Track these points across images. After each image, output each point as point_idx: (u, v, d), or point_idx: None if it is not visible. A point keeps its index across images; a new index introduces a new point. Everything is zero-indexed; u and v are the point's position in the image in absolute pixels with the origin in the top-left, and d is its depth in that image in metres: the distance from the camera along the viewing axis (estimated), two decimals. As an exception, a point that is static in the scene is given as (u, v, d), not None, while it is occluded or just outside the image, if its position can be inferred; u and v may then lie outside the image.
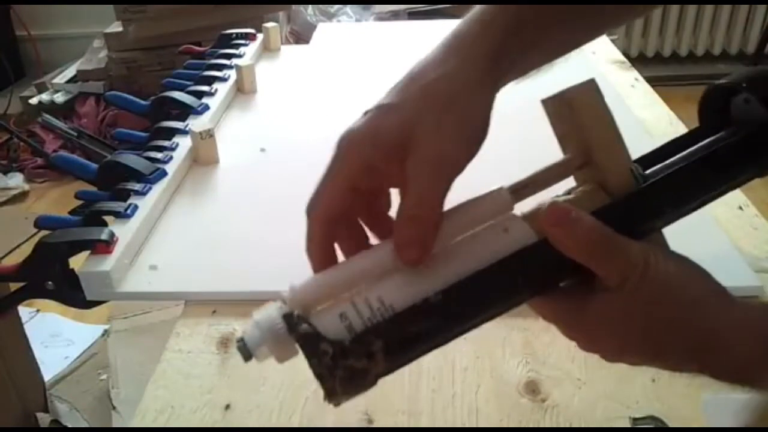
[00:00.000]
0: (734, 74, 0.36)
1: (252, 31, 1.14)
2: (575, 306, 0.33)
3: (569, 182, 0.36)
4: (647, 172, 0.34)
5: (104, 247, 0.60)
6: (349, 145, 0.34)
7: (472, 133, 0.33)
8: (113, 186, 0.70)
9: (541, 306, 0.35)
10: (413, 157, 0.32)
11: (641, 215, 0.33)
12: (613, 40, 1.20)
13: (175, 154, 0.78)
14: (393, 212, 0.34)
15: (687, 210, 0.34)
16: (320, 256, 0.35)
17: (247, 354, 0.31)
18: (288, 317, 0.30)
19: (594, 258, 0.32)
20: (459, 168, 0.32)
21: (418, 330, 0.31)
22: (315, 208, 0.35)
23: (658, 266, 0.32)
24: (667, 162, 0.35)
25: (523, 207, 0.34)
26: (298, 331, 0.30)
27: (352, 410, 0.48)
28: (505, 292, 0.32)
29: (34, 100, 2.25)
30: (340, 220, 0.34)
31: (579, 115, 0.33)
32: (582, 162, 0.34)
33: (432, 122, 0.32)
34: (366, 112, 0.34)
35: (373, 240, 0.36)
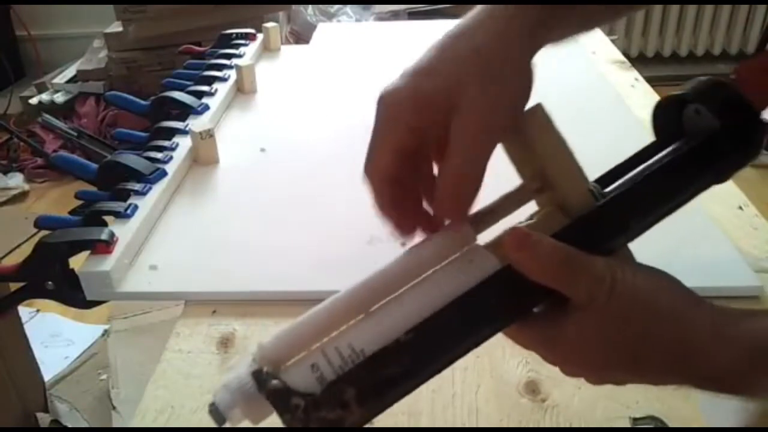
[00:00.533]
0: (685, 86, 0.36)
1: (252, 31, 1.14)
2: (551, 331, 0.33)
3: (532, 207, 0.36)
4: (606, 190, 0.34)
5: (104, 247, 0.60)
6: (392, 107, 0.34)
7: (517, 100, 0.33)
8: (113, 186, 0.70)
9: (518, 334, 0.35)
10: (459, 122, 0.32)
11: (603, 232, 0.33)
12: (613, 40, 1.20)
13: (175, 154, 0.78)
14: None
15: (649, 222, 0.34)
16: (394, 212, 0.35)
17: (219, 418, 0.29)
18: (257, 374, 0.29)
19: (559, 278, 0.31)
20: (503, 133, 0.33)
21: (390, 373, 0.30)
22: (370, 170, 0.36)
23: (625, 280, 0.31)
24: (625, 178, 0.35)
25: (487, 237, 0.34)
26: (268, 387, 0.29)
27: (352, 410, 0.48)
28: (476, 322, 0.31)
29: (34, 100, 2.25)
30: (394, 182, 0.35)
31: (531, 140, 0.33)
32: (539, 186, 0.34)
33: (477, 89, 0.32)
34: (404, 75, 0.34)
35: (426, 207, 0.36)
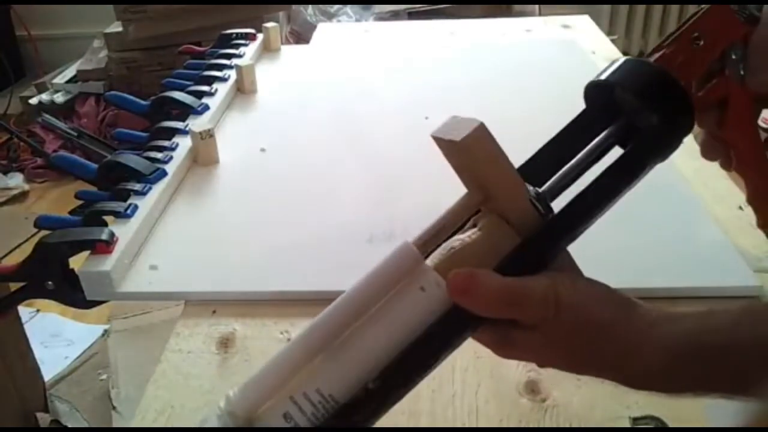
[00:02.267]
0: (609, 69, 0.36)
1: (252, 31, 1.14)
2: (504, 339, 0.36)
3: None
4: (544, 187, 0.35)
5: (104, 247, 0.60)
6: None
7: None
8: (113, 186, 0.70)
9: (476, 338, 0.37)
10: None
11: (552, 247, 0.34)
12: (613, 40, 1.20)
13: (175, 154, 0.78)
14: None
15: (592, 223, 0.35)
16: None
17: None
18: None
19: (508, 311, 0.33)
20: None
21: (362, 418, 0.31)
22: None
23: (570, 297, 0.33)
24: (564, 170, 0.36)
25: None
26: None
27: (352, 410, 0.48)
28: (437, 354, 0.33)
29: (34, 100, 2.25)
30: None
31: (470, 156, 0.33)
32: (483, 197, 0.35)
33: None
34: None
35: None
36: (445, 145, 0.34)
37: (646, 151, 0.35)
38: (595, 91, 0.38)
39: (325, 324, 0.32)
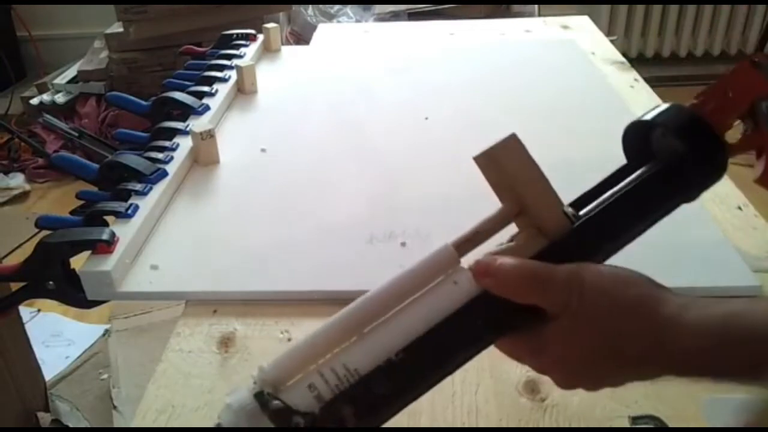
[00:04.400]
0: (651, 112, 0.38)
1: (252, 31, 1.14)
2: (535, 342, 0.35)
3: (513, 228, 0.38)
4: (581, 212, 0.36)
5: (105, 247, 0.60)
6: None
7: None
8: (114, 186, 0.70)
9: (508, 347, 0.36)
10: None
11: (576, 254, 0.35)
12: (612, 41, 1.20)
13: (175, 154, 0.78)
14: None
15: (622, 242, 0.36)
16: None
17: None
18: (259, 396, 0.31)
19: (528, 293, 0.33)
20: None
21: (384, 391, 0.32)
22: None
23: (593, 280, 0.33)
24: (599, 200, 0.37)
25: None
26: (270, 408, 0.31)
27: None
28: (463, 341, 0.34)
29: (35, 101, 2.25)
30: None
31: (506, 168, 0.35)
32: (518, 210, 0.36)
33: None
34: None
35: None
36: (483, 161, 0.36)
37: (677, 179, 0.37)
38: (633, 130, 0.39)
39: (361, 309, 0.34)
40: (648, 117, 0.38)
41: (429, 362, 0.33)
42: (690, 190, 0.37)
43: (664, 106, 0.38)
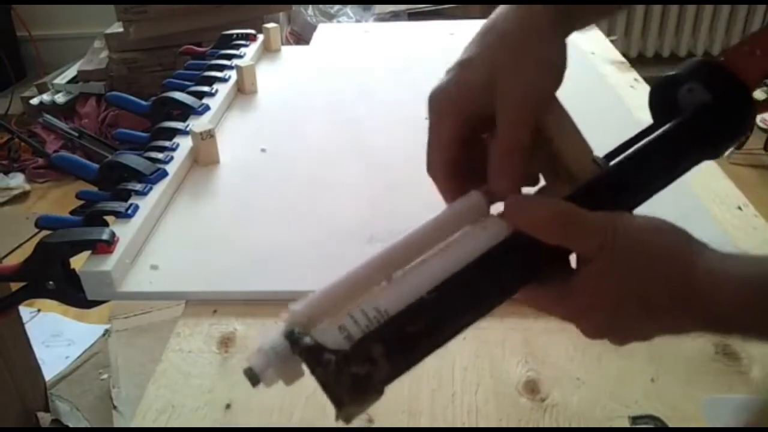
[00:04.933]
0: (677, 67, 0.39)
1: (252, 31, 1.14)
2: (564, 289, 0.34)
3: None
4: (610, 164, 0.37)
5: (105, 247, 0.60)
6: (443, 103, 0.37)
7: (550, 68, 0.36)
8: (114, 186, 0.70)
9: (534, 297, 0.36)
10: (499, 100, 0.35)
11: (606, 198, 0.35)
12: (612, 41, 1.20)
13: (175, 154, 0.78)
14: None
15: (648, 192, 0.36)
16: None
17: (255, 379, 0.31)
18: (289, 334, 0.31)
19: (562, 234, 0.33)
20: (541, 99, 0.35)
21: (415, 329, 0.31)
22: (433, 166, 0.38)
23: (628, 226, 0.33)
24: (627, 152, 0.37)
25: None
26: (301, 344, 0.30)
27: (352, 410, 0.48)
28: (495, 280, 0.33)
29: (35, 101, 2.25)
30: (457, 174, 0.37)
31: (540, 117, 0.36)
32: (548, 158, 0.37)
33: (511, 65, 0.35)
34: (448, 71, 0.37)
35: None
36: None
37: (704, 129, 0.37)
38: (659, 88, 0.40)
39: (391, 254, 0.34)
40: (675, 72, 0.38)
41: (460, 301, 0.33)
42: (715, 143, 0.37)
43: (692, 60, 0.39)
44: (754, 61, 0.37)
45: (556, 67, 0.36)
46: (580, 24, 0.39)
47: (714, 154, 0.38)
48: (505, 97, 0.35)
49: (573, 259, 0.35)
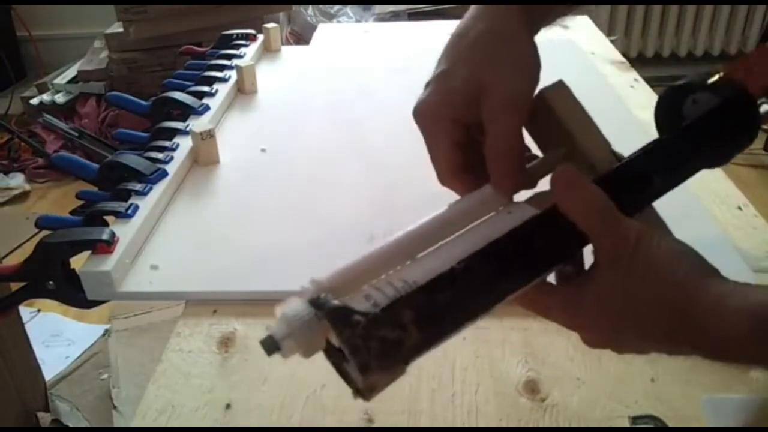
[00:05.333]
0: (681, 80, 0.40)
1: (252, 31, 1.14)
2: (572, 295, 0.35)
3: None
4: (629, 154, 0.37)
5: (105, 247, 0.60)
6: (428, 113, 0.39)
7: (527, 66, 0.37)
8: (114, 186, 0.70)
9: (541, 300, 0.36)
10: (485, 103, 0.36)
11: (624, 190, 0.35)
12: (612, 41, 1.20)
13: (175, 154, 0.78)
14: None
15: (673, 179, 0.37)
16: None
17: (273, 347, 0.29)
18: (315, 300, 0.30)
19: (594, 225, 0.33)
20: (526, 99, 0.37)
21: (446, 299, 0.31)
22: (443, 177, 0.39)
23: (650, 245, 0.33)
24: (644, 146, 0.38)
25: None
26: (328, 307, 0.29)
27: (352, 410, 0.48)
28: (524, 255, 0.33)
29: (35, 101, 2.25)
30: (469, 174, 0.38)
31: (557, 110, 0.37)
32: (566, 151, 0.37)
33: (489, 71, 0.36)
34: (427, 85, 0.39)
35: None
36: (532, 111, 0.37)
37: (711, 131, 0.38)
38: (664, 101, 0.41)
39: (416, 235, 0.34)
40: (679, 83, 0.39)
41: (491, 271, 0.32)
42: (723, 150, 0.38)
43: (697, 72, 0.39)
44: (754, 75, 0.39)
45: (532, 66, 0.37)
46: (545, 24, 0.40)
47: (721, 161, 0.39)
48: (491, 104, 0.36)
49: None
